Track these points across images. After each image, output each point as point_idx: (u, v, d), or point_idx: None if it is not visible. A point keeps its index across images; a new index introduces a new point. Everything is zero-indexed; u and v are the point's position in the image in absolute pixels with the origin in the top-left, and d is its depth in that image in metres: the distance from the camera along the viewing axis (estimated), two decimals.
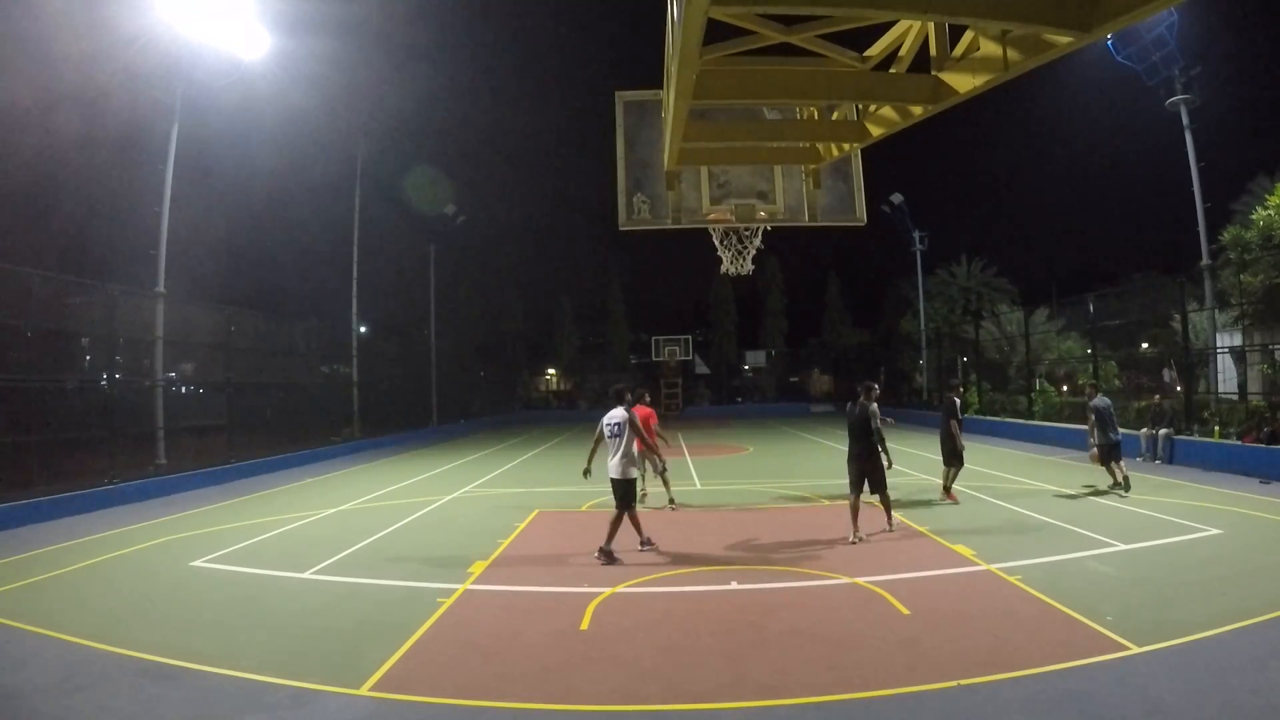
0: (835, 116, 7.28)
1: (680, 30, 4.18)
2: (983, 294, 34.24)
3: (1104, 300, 18.03)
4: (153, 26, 13.30)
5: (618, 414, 7.15)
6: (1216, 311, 15.44)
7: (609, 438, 7.14)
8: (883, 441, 7.72)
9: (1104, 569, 6.33)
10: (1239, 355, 15.29)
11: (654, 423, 9.74)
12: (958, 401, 10.21)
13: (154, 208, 14.33)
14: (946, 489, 9.84)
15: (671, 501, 9.90)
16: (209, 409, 16.41)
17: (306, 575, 6.81)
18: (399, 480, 13.99)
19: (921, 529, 8.11)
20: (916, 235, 29.82)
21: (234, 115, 19.25)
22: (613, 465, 7.11)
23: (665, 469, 9.21)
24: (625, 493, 7.15)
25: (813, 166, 8.53)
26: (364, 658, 4.62)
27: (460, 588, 6.20)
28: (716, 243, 9.55)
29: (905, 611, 5.32)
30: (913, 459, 15.32)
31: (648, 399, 10.15)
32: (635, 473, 7.31)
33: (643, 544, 7.32)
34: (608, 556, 6.96)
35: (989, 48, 4.67)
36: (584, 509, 10.08)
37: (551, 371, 48.91)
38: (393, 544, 8.17)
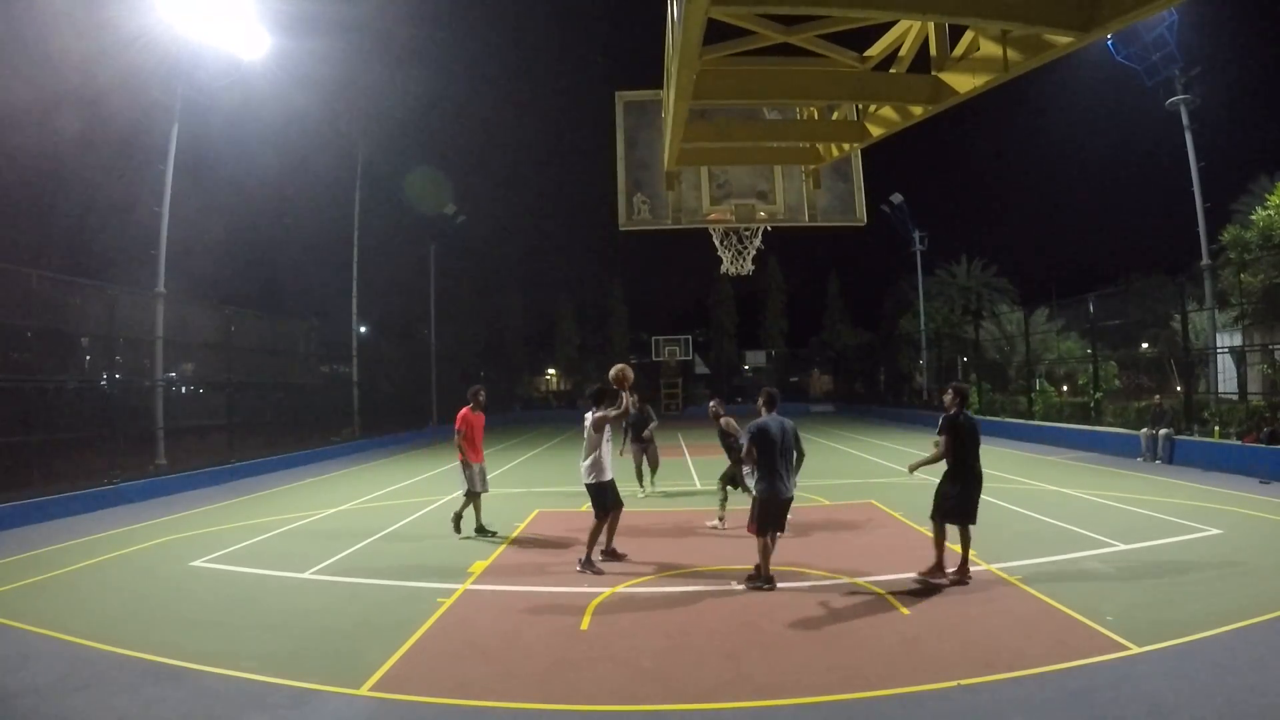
0: (835, 116, 7.27)
1: (680, 30, 4.17)
2: (983, 294, 34.29)
3: (1104, 300, 18.02)
4: (153, 27, 13.30)
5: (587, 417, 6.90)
6: (1216, 311, 15.44)
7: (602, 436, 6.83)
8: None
9: (1104, 569, 6.33)
10: (1239, 355, 15.29)
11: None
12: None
13: (154, 208, 14.33)
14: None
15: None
16: (209, 409, 16.41)
17: (306, 575, 6.81)
18: (399, 480, 13.99)
19: (922, 530, 8.11)
20: (916, 235, 29.80)
21: (234, 115, 19.27)
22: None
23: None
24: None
25: (813, 166, 8.52)
26: (364, 658, 4.62)
27: (460, 588, 6.20)
28: (716, 243, 9.54)
29: (905, 611, 5.32)
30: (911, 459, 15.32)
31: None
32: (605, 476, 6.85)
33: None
34: (608, 555, 7.00)
35: (989, 48, 4.67)
36: (584, 509, 10.06)
37: (551, 371, 48.90)
38: (393, 544, 8.16)
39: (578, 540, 7.92)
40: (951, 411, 6.20)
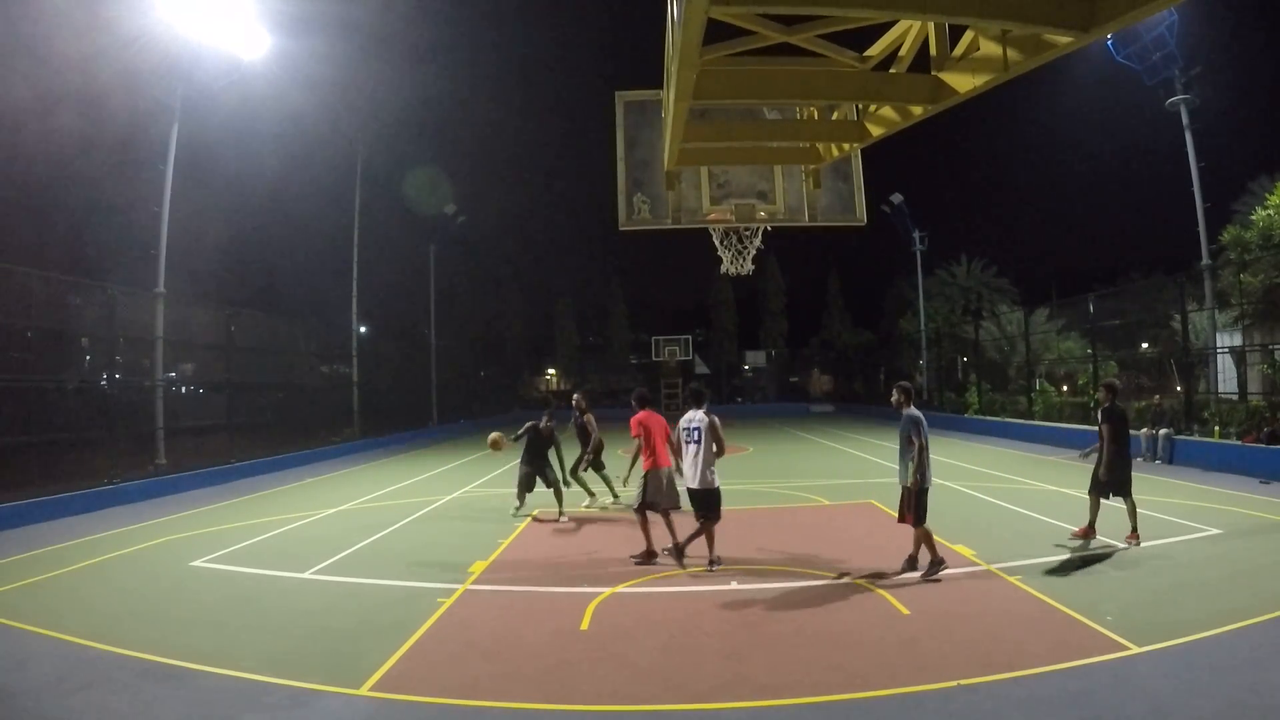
0: (835, 116, 7.27)
1: (680, 30, 4.18)
2: (983, 294, 34.25)
3: (1104, 300, 18.01)
4: (153, 27, 13.30)
5: (697, 417, 6.61)
6: (1216, 311, 15.44)
7: (686, 443, 6.64)
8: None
9: (1104, 569, 6.33)
10: (1239, 355, 15.29)
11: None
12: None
13: (154, 208, 14.33)
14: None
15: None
16: (209, 409, 16.41)
17: (306, 575, 6.81)
18: (399, 480, 13.99)
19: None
20: (916, 235, 29.77)
21: (234, 115, 19.25)
22: (694, 474, 6.60)
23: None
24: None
25: (813, 166, 8.52)
26: (364, 658, 4.62)
27: (460, 588, 6.20)
28: (716, 243, 9.54)
29: (905, 611, 5.31)
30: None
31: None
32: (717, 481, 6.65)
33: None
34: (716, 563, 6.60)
35: (989, 48, 4.67)
36: (584, 509, 10.08)
37: (551, 371, 48.92)
38: (393, 544, 8.16)
39: (578, 540, 7.93)
40: (1106, 405, 7.57)
